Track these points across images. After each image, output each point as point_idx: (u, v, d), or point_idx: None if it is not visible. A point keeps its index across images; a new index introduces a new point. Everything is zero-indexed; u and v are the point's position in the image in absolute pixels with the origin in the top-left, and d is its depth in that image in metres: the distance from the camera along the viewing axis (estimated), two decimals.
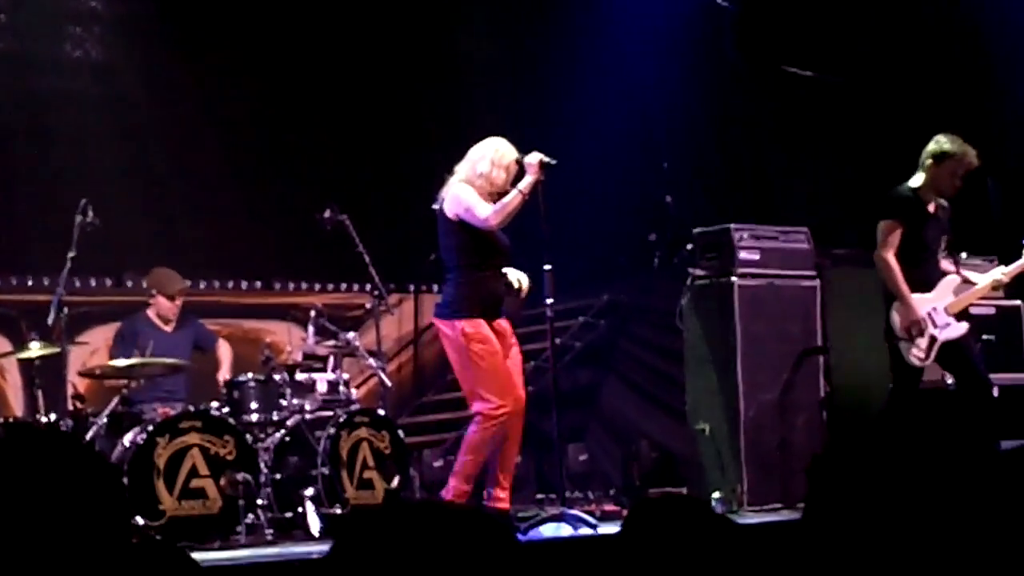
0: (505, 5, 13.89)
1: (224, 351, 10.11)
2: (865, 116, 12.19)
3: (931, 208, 8.68)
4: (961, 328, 8.65)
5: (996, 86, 11.93)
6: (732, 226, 9.75)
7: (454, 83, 13.59)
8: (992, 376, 9.58)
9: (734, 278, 9.58)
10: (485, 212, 7.88)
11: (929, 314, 8.57)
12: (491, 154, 8.10)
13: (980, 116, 11.85)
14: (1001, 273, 8.91)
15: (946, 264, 8.84)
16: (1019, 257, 8.91)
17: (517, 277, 8.17)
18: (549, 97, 13.09)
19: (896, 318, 8.59)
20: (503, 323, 8.11)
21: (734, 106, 13.08)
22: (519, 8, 13.84)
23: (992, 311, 10.23)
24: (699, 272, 9.80)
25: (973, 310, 9.61)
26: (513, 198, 7.88)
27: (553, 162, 8.01)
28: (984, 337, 9.98)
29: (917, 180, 8.66)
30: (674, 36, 12.67)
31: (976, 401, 8.46)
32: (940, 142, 8.59)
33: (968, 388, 8.55)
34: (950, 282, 8.72)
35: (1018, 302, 10.38)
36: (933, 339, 8.55)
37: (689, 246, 10.08)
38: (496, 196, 8.01)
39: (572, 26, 13.12)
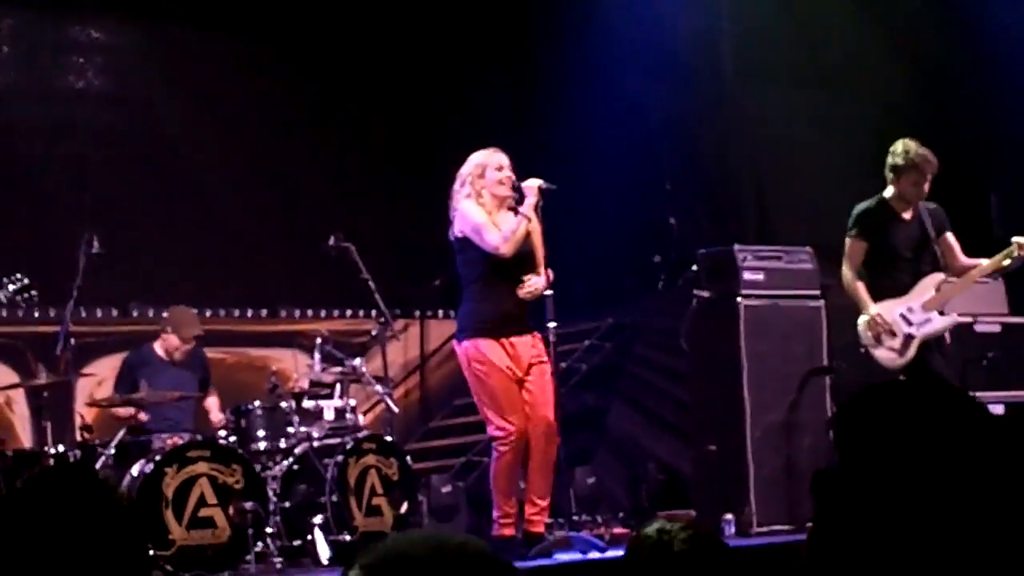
0: (505, 32, 13.93)
1: (212, 401, 10.02)
2: (864, 132, 12.19)
3: (907, 215, 8.74)
4: (946, 322, 8.71)
5: (999, 98, 11.91)
6: (736, 247, 9.76)
7: (456, 110, 13.61)
8: (999, 394, 9.59)
9: (739, 299, 9.57)
10: (495, 239, 7.86)
11: (902, 315, 8.63)
12: (473, 160, 8.09)
13: (984, 129, 11.85)
14: (1015, 242, 8.67)
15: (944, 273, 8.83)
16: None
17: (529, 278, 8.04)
18: (551, 121, 13.11)
19: (861, 326, 8.70)
20: (526, 340, 8.01)
21: (735, 126, 13.09)
22: (519, 34, 13.88)
23: (998, 328, 10.22)
24: (703, 293, 9.80)
25: (978, 328, 9.61)
26: (518, 223, 7.88)
27: (552, 187, 8.03)
28: (989, 355, 9.98)
29: (888, 191, 8.75)
30: (674, 57, 12.70)
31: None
32: (895, 154, 8.66)
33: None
34: (931, 280, 8.71)
35: None
36: (909, 337, 8.62)
37: (693, 267, 10.09)
38: (500, 201, 8.00)
39: (573, 49, 13.15)
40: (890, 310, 8.65)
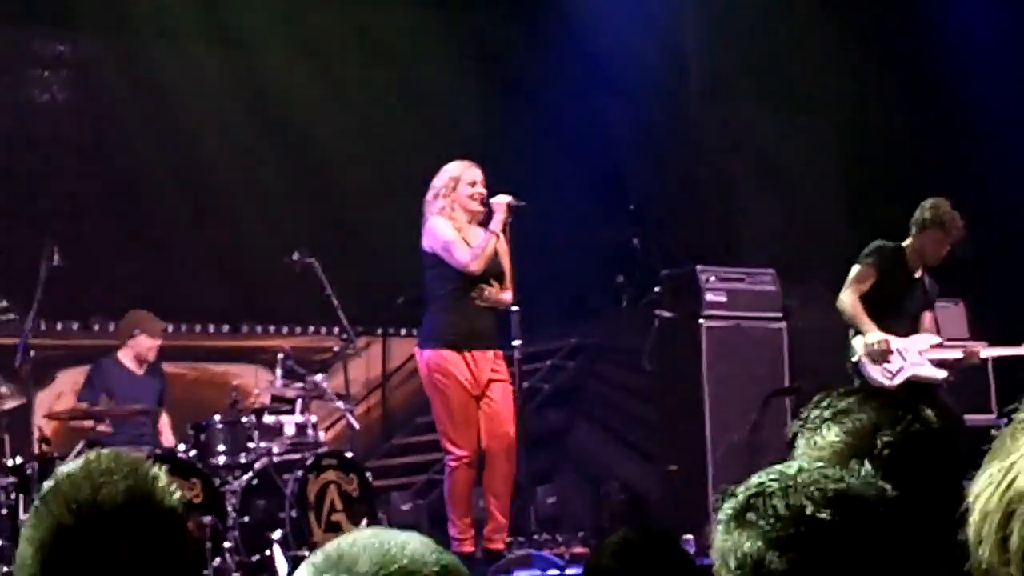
0: (474, 45, 13.93)
1: (164, 422, 9.95)
2: (830, 151, 12.25)
3: (916, 273, 8.67)
4: (936, 372, 8.61)
5: (965, 115, 11.94)
6: (699, 268, 9.80)
7: (422, 125, 13.59)
8: None
9: (701, 320, 9.61)
10: (464, 257, 7.87)
11: (898, 349, 8.57)
12: (447, 173, 8.11)
13: (945, 144, 11.89)
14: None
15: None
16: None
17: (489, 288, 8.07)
18: (517, 139, 13.12)
19: (857, 341, 8.55)
20: (488, 356, 8.01)
21: (701, 144, 13.13)
22: (488, 49, 13.88)
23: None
24: (666, 314, 9.82)
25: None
26: (487, 240, 7.90)
27: (521, 204, 8.04)
28: (949, 379, 10.00)
29: (907, 241, 8.63)
30: (640, 75, 12.73)
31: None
32: (923, 208, 8.54)
33: None
34: (929, 338, 8.69)
35: (983, 344, 10.39)
36: (899, 370, 8.49)
37: (657, 288, 10.11)
38: (472, 216, 8.02)
39: (538, 66, 13.17)
40: (890, 341, 8.52)
